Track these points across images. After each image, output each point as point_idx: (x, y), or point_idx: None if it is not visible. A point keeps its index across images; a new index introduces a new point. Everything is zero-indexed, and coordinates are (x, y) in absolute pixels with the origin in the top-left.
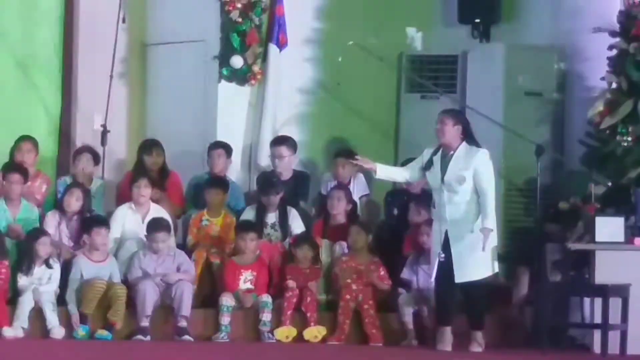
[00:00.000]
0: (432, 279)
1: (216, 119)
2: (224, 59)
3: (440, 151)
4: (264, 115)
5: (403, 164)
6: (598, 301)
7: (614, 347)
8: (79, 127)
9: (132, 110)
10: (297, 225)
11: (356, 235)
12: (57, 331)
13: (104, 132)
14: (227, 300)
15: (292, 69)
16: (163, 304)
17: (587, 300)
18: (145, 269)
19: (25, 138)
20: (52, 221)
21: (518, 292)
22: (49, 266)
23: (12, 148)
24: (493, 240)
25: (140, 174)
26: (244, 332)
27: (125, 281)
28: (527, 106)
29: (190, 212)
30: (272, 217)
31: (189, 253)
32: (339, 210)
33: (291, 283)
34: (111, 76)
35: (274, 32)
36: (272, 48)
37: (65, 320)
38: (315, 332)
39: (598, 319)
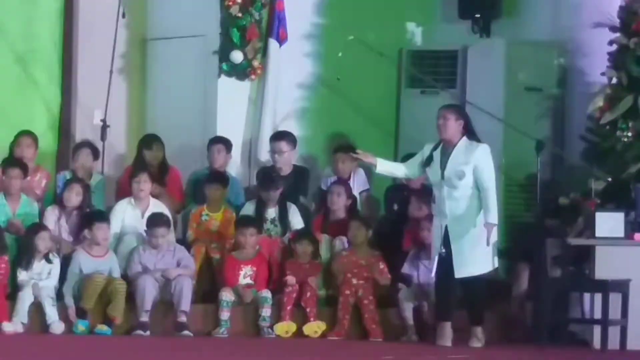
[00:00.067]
0: (433, 274)
1: (216, 114)
2: (224, 54)
3: (441, 146)
4: (263, 110)
5: (403, 159)
6: (598, 296)
7: (613, 343)
8: (78, 122)
9: (132, 105)
10: (296, 221)
11: (356, 230)
12: (57, 326)
13: (104, 127)
14: (226, 296)
15: (292, 64)
16: (163, 299)
17: (587, 295)
18: (144, 264)
19: (24, 133)
20: (51, 216)
21: (518, 287)
22: (48, 261)
23: (12, 143)
24: (494, 235)
25: (140, 169)
26: (244, 328)
27: (124, 276)
28: (528, 101)
29: (190, 207)
30: (271, 213)
31: (189, 248)
32: (339, 206)
33: (291, 278)
34: (111, 71)
35: (274, 27)
36: (272, 43)
37: (65, 315)
38: (315, 328)
39: (598, 315)
